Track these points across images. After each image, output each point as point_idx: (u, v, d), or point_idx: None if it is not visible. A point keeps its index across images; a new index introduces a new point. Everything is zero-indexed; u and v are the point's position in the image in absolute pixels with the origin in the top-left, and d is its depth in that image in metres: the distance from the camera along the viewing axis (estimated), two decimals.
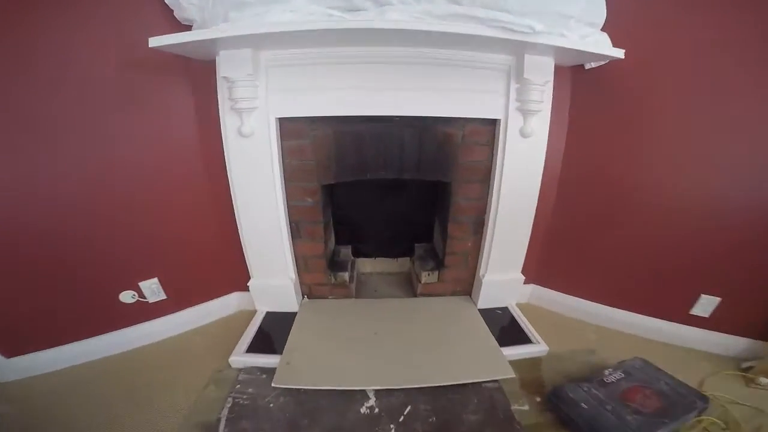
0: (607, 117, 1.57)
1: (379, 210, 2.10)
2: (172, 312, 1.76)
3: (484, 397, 1.37)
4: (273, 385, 1.39)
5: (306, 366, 1.47)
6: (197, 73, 1.45)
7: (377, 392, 1.38)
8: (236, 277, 1.82)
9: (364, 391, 1.39)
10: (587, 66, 1.52)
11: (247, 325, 1.73)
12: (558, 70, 1.44)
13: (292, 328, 1.70)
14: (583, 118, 1.61)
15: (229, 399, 1.37)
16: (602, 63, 1.48)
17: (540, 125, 1.51)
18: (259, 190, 1.57)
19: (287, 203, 1.67)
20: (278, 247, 1.69)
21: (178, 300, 1.76)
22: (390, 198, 2.08)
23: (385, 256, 2.24)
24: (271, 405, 1.34)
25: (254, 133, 1.46)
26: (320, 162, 1.61)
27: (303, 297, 1.93)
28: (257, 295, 1.81)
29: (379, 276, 2.23)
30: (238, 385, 1.43)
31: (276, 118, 1.48)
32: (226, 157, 1.52)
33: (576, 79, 1.57)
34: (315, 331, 1.68)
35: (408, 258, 2.24)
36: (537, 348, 1.60)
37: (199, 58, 1.40)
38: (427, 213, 2.13)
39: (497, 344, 1.59)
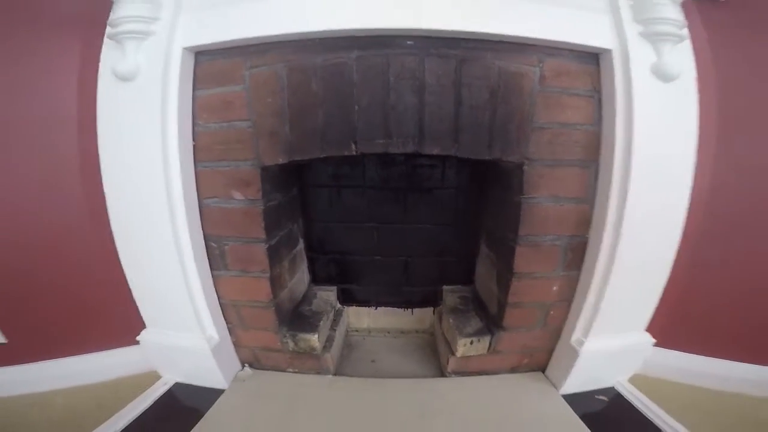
0: None
1: (383, 227, 1.33)
2: (21, 362, 1.08)
3: None
4: None
5: None
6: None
7: None
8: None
9: None
10: None
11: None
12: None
13: (194, 428, 0.90)
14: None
15: None
16: None
17: (685, 63, 0.85)
18: (139, 177, 0.91)
19: (200, 203, 0.98)
20: (178, 284, 0.96)
21: (29, 346, 1.08)
22: (402, 206, 1.31)
23: (392, 305, 1.41)
24: None
25: (139, 73, 0.85)
26: (262, 124, 0.92)
27: (242, 366, 1.14)
28: (154, 355, 1.08)
29: (382, 336, 1.40)
30: None
31: (186, 50, 0.87)
32: (97, 121, 0.91)
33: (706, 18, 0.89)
34: None
35: (431, 308, 1.38)
36: None
37: None
38: (464, 232, 1.31)
39: None
